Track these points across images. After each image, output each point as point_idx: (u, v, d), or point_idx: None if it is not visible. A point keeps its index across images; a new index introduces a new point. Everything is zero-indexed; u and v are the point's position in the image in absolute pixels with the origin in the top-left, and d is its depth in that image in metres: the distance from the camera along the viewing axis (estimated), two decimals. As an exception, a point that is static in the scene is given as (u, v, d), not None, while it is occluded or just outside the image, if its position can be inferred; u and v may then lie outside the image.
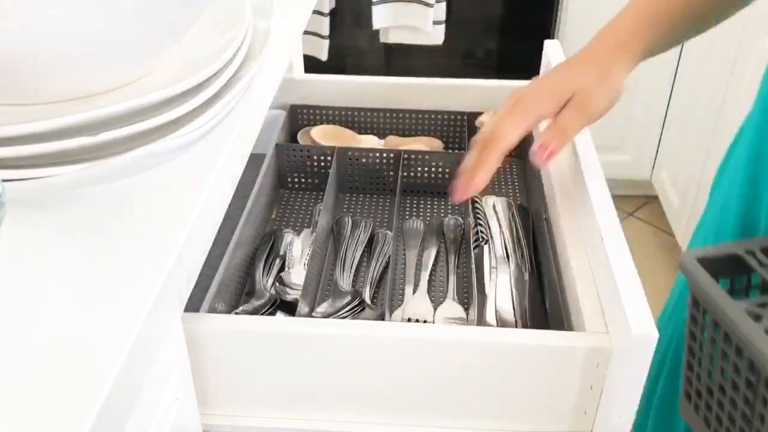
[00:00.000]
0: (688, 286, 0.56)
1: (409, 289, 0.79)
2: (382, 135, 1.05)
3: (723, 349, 0.53)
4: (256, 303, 0.75)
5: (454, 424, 0.62)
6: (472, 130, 1.02)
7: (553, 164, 0.82)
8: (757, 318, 0.50)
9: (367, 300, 0.77)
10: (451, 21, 1.90)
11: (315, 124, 1.04)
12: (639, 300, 0.55)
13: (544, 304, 0.75)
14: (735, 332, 0.50)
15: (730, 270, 0.56)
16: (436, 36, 1.90)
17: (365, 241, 0.86)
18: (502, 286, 0.76)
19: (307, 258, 0.81)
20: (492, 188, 0.97)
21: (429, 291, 0.79)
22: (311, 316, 0.73)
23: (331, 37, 1.88)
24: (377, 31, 1.92)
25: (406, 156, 0.94)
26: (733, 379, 0.52)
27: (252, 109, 0.60)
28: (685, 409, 0.60)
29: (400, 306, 0.76)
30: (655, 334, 0.52)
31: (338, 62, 2.00)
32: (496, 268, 0.79)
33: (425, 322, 0.74)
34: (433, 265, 0.83)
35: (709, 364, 0.55)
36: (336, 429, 0.63)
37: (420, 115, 1.03)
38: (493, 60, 2.15)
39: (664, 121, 2.17)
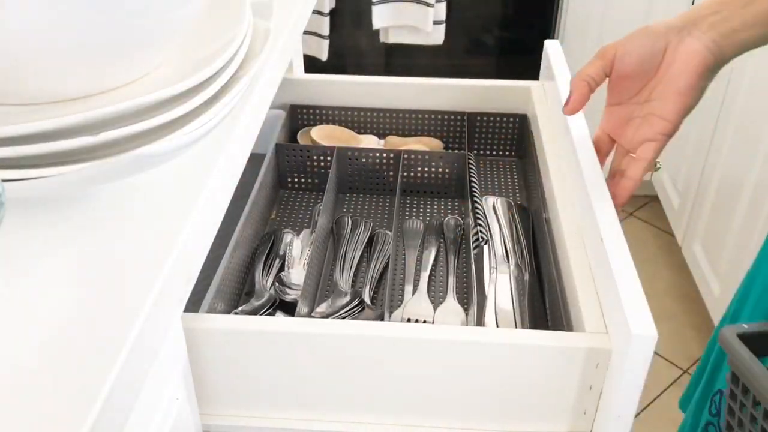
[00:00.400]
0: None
1: (408, 289, 0.79)
2: (382, 135, 1.05)
3: (763, 426, 0.52)
4: (255, 303, 0.75)
5: (454, 424, 0.62)
6: (472, 130, 1.02)
7: (553, 164, 0.82)
8: None
9: (367, 300, 0.77)
10: (451, 21, 1.89)
11: (315, 124, 1.04)
12: (639, 300, 0.55)
13: (544, 304, 0.75)
14: None
15: None
16: (436, 36, 1.90)
17: (365, 241, 0.86)
18: (502, 286, 0.76)
19: (307, 258, 0.81)
20: (492, 188, 0.97)
21: (429, 291, 0.78)
22: (311, 316, 0.73)
23: (331, 37, 1.88)
24: (377, 31, 1.92)
25: (406, 156, 0.94)
26: None
27: (252, 109, 0.60)
28: None
29: (399, 306, 0.76)
30: (655, 334, 0.52)
31: (338, 62, 2.00)
32: (496, 268, 0.79)
33: (425, 322, 0.74)
34: (433, 265, 0.83)
35: None
36: (336, 429, 0.63)
37: (420, 115, 1.03)
38: (493, 60, 2.15)
39: (664, 121, 2.16)
